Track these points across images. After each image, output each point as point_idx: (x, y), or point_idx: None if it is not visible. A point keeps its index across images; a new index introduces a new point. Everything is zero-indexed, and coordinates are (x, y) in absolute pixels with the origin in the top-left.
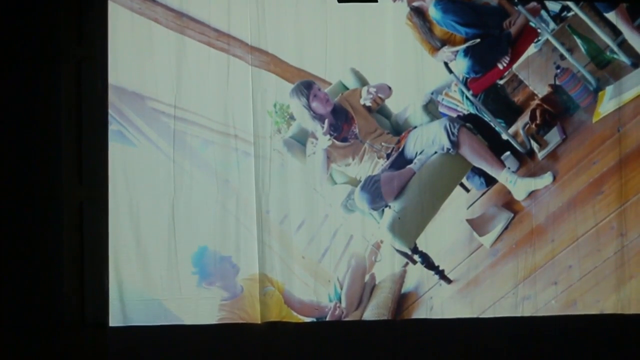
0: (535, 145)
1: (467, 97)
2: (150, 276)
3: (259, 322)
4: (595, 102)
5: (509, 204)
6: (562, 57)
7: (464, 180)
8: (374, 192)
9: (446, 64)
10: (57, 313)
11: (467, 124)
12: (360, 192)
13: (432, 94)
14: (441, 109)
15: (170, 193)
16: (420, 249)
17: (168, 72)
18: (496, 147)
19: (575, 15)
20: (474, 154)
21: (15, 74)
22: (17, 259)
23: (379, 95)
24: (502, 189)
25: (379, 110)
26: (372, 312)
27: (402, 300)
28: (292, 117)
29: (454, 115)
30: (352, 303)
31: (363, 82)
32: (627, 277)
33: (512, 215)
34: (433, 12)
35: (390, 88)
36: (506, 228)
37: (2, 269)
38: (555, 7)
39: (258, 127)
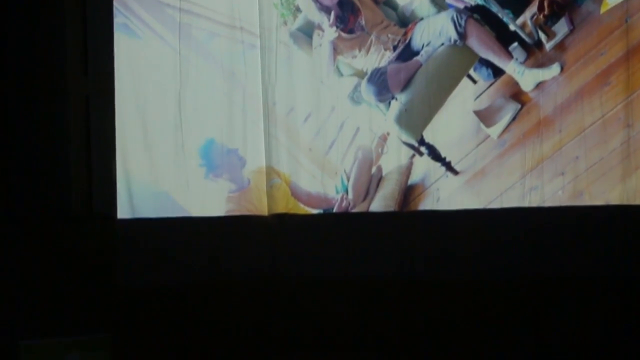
0: (543, 36)
1: None
2: (157, 168)
3: (266, 214)
4: None
5: (516, 95)
6: None
7: (471, 72)
8: (381, 84)
9: None
10: (65, 205)
11: (475, 15)
12: (367, 84)
13: None
14: (448, 0)
15: (177, 86)
16: (427, 140)
17: None
18: (504, 38)
19: None
20: (481, 45)
21: None
22: (24, 153)
23: None
24: (510, 80)
25: (385, 1)
26: (379, 203)
27: (408, 192)
28: (298, 9)
29: (461, 6)
30: (359, 195)
31: None
32: (633, 168)
33: (520, 106)
34: None
35: None
36: (514, 119)
37: (10, 162)
38: None
39: (264, 19)
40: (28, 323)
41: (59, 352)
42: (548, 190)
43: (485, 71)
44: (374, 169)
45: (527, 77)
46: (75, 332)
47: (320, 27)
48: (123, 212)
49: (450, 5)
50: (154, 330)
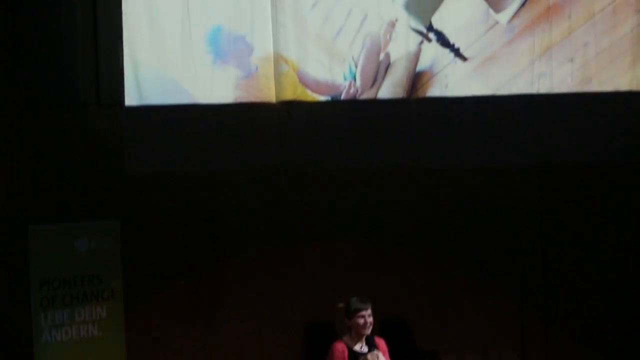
0: None
1: None
2: (165, 56)
3: (274, 101)
4: None
5: None
6: None
7: None
8: None
9: None
10: (73, 93)
11: None
12: None
13: None
14: None
15: None
16: (435, 26)
17: None
18: None
19: None
20: None
21: None
22: (31, 42)
23: None
24: None
25: None
26: (387, 90)
27: (417, 79)
28: None
29: None
30: (367, 81)
31: None
32: None
33: None
34: None
35: None
36: (523, 4)
37: (17, 51)
38: None
39: None
40: (37, 209)
41: (68, 238)
42: (557, 77)
43: None
44: (382, 56)
45: None
46: (84, 218)
47: None
48: (130, 99)
49: None
50: (162, 216)
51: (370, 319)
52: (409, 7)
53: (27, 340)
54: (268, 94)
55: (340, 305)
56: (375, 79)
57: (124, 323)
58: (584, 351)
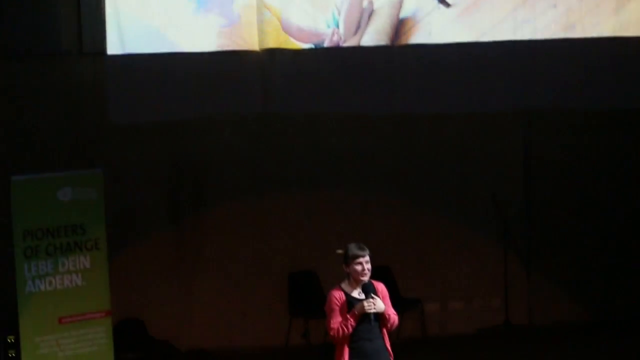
0: None
1: None
2: (147, 4)
3: (258, 49)
4: None
5: None
6: None
7: None
8: None
9: None
10: (55, 42)
11: None
12: None
13: None
14: None
15: None
16: None
17: None
18: None
19: None
20: None
21: None
22: None
23: None
24: None
25: None
26: (370, 37)
27: (400, 26)
28: None
29: None
30: (350, 29)
31: None
32: None
33: None
34: None
35: None
36: None
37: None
38: None
39: None
40: (19, 159)
41: (51, 187)
42: (540, 23)
43: None
44: (365, 3)
45: None
46: (67, 168)
47: None
48: (113, 47)
49: None
50: (145, 166)
51: (368, 266)
52: None
53: (11, 290)
54: (251, 41)
55: (339, 251)
56: (359, 26)
57: (108, 273)
58: (566, 298)
